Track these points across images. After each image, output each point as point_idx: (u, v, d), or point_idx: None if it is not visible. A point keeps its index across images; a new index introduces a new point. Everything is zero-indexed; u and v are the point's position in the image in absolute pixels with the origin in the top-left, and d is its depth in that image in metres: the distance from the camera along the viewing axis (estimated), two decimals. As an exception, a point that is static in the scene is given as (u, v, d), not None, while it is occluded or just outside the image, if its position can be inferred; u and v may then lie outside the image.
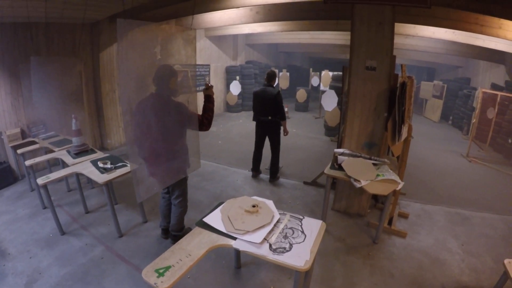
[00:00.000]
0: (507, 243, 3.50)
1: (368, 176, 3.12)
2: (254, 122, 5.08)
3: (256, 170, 5.28)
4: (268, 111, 4.79)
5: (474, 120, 7.07)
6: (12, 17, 4.60)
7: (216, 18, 6.35)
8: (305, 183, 5.04)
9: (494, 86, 8.53)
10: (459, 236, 3.59)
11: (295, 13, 5.22)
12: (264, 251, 1.94)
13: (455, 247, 3.37)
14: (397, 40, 8.37)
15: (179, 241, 2.07)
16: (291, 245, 2.00)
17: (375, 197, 4.25)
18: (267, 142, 5.07)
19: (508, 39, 5.15)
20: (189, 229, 3.19)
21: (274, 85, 4.91)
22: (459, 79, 11.38)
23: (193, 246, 2.01)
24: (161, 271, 1.75)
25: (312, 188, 4.89)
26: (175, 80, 2.73)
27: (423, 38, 7.68)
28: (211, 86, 2.97)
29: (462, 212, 4.19)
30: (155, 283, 1.68)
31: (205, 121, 2.87)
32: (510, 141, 6.76)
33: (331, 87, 8.43)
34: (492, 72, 9.43)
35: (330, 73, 10.44)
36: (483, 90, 7.09)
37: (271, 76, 4.87)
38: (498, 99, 6.87)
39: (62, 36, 5.72)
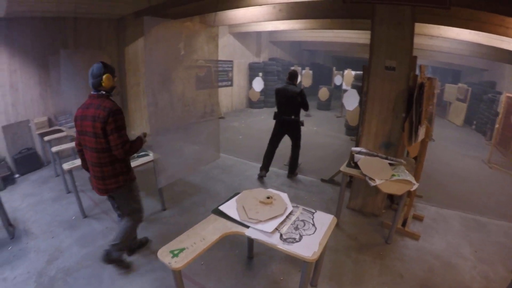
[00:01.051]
0: None
1: (383, 175, 3.13)
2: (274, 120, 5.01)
3: (266, 169, 5.14)
4: (291, 110, 4.75)
5: (497, 125, 6.84)
6: (41, 12, 4.83)
7: (239, 15, 6.44)
8: (322, 180, 5.06)
9: (520, 91, 8.22)
10: (473, 242, 3.51)
11: (317, 11, 5.22)
12: (274, 240, 2.02)
13: (468, 253, 3.29)
14: (421, 40, 8.27)
15: (194, 226, 2.17)
16: (301, 236, 2.07)
17: (391, 198, 4.23)
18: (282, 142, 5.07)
19: (535, 42, 4.97)
20: (144, 240, 3.12)
21: (296, 84, 4.87)
22: (484, 82, 11.04)
23: (208, 232, 2.12)
24: (175, 252, 1.86)
25: (329, 185, 4.91)
26: (109, 78, 2.42)
27: (447, 39, 7.49)
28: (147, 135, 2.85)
29: (479, 218, 4.08)
30: (169, 263, 1.79)
31: (119, 146, 2.38)
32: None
33: (353, 86, 8.37)
34: (518, 77, 9.11)
35: (353, 72, 10.34)
36: (508, 94, 6.84)
37: (293, 75, 4.82)
38: (524, 104, 6.61)
39: (89, 31, 5.97)
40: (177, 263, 1.78)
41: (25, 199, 4.20)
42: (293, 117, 4.75)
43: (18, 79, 5.04)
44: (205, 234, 2.08)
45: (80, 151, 2.66)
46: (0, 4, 3.95)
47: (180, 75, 2.69)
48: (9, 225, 3.42)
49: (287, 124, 4.84)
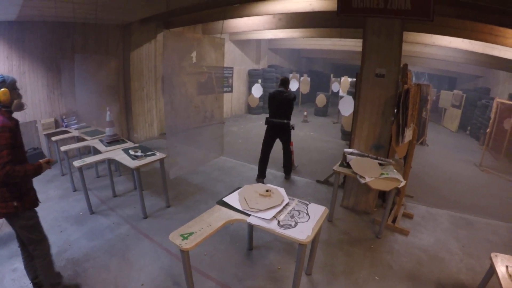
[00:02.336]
0: (509, 249, 3.57)
1: (373, 173, 3.37)
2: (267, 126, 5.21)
3: (263, 177, 5.26)
4: (284, 114, 4.99)
5: (489, 129, 7.10)
6: (52, 17, 5.05)
7: (241, 23, 6.73)
8: (317, 181, 5.29)
9: (512, 97, 8.52)
10: (461, 239, 3.71)
11: (314, 21, 5.50)
12: (272, 226, 2.28)
13: (456, 248, 3.50)
14: (416, 48, 8.58)
15: (201, 215, 2.41)
16: (296, 223, 2.33)
17: (382, 197, 4.45)
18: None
19: (523, 49, 5.25)
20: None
21: (288, 90, 5.08)
22: (479, 89, 11.36)
23: (213, 219, 2.37)
24: (185, 235, 2.11)
25: (324, 186, 5.14)
26: (6, 93, 2.21)
27: (441, 47, 7.78)
28: (51, 162, 2.58)
29: (467, 217, 4.29)
30: (179, 244, 2.04)
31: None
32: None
33: (349, 93, 8.66)
34: (511, 83, 9.39)
35: (349, 79, 10.62)
36: (498, 100, 7.12)
37: (285, 82, 5.07)
38: (515, 109, 6.85)
39: (96, 36, 6.20)
40: (187, 244, 2.02)
41: (32, 196, 4.37)
42: (285, 121, 5.01)
43: (26, 81, 5.26)
44: (211, 221, 2.32)
45: None
46: (13, 7, 4.12)
47: (192, 81, 2.99)
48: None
49: (279, 128, 5.07)
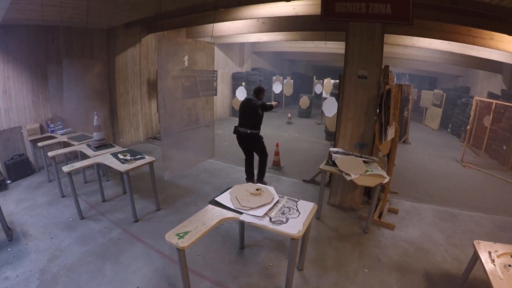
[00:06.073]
0: (491, 238, 3.66)
1: (358, 171, 3.50)
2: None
3: (252, 179, 5.13)
4: (249, 123, 4.68)
5: (469, 126, 7.38)
6: (37, 20, 4.94)
7: (224, 27, 6.80)
8: (304, 181, 5.40)
9: (491, 95, 8.86)
10: (445, 231, 3.88)
11: (297, 24, 5.62)
12: (265, 222, 2.37)
13: (440, 240, 3.66)
14: (397, 50, 8.83)
15: (195, 214, 2.48)
16: (287, 219, 2.43)
17: (368, 194, 4.59)
18: None
19: (500, 49, 5.51)
20: None
21: (262, 99, 4.90)
22: (459, 88, 11.72)
23: (207, 218, 2.44)
24: (181, 234, 2.17)
25: (310, 185, 5.25)
26: None
27: (421, 49, 8.04)
28: None
29: (450, 210, 4.47)
30: (176, 243, 2.10)
31: None
32: (504, 147, 7.05)
33: (332, 94, 8.81)
34: (490, 81, 9.77)
35: (332, 81, 10.81)
36: (478, 98, 7.42)
37: (258, 90, 4.91)
38: (493, 107, 7.15)
39: (81, 40, 6.16)
40: (183, 243, 2.09)
41: (19, 204, 4.31)
42: (248, 131, 4.67)
43: (11, 85, 5.16)
44: (205, 220, 2.40)
45: None
46: (-1, 11, 4.04)
47: (184, 84, 3.08)
48: (7, 228, 3.50)
49: (244, 137, 4.78)
